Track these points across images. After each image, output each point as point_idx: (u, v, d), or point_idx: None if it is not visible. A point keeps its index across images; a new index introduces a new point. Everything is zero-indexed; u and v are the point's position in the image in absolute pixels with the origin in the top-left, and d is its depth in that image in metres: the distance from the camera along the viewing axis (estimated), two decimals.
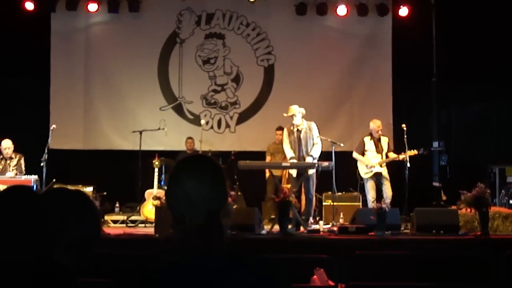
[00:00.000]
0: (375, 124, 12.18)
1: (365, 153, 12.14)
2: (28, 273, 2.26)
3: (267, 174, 13.15)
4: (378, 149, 12.07)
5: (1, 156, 11.99)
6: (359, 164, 12.22)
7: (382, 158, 12.01)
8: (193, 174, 2.36)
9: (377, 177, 12.04)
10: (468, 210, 10.26)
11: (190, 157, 2.48)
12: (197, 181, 2.34)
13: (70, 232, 2.45)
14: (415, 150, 11.98)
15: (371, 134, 12.20)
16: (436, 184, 13.70)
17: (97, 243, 2.60)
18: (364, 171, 12.13)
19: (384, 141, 12.14)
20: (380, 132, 12.15)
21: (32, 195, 2.56)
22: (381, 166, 12.00)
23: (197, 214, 2.27)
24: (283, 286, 2.26)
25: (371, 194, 11.97)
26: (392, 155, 11.97)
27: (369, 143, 12.15)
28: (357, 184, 12.57)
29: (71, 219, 2.47)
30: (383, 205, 10.29)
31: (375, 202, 11.35)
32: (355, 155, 12.23)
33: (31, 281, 2.25)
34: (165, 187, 2.47)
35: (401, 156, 11.84)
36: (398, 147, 12.21)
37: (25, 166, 12.06)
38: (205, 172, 2.39)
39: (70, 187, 11.55)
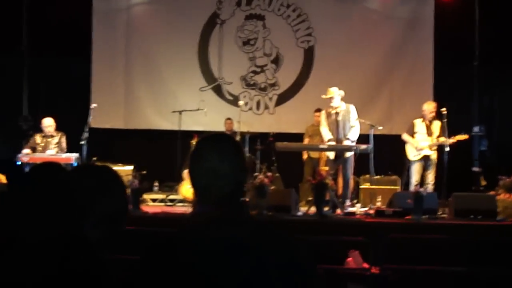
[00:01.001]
0: (429, 106, 11.90)
1: (415, 135, 11.92)
2: (54, 247, 2.30)
3: (305, 156, 13.16)
4: (429, 132, 11.81)
5: (43, 134, 12.16)
6: (407, 146, 12.05)
7: (432, 141, 11.81)
8: (216, 148, 2.44)
9: (425, 160, 11.83)
10: (507, 195, 10.18)
11: (210, 135, 2.55)
12: (222, 154, 2.41)
13: (98, 208, 2.49)
14: (465, 134, 11.81)
15: (423, 116, 11.99)
16: (475, 169, 13.55)
17: (125, 219, 2.64)
18: (412, 154, 11.91)
19: (436, 125, 11.79)
20: (433, 115, 11.91)
21: (60, 171, 2.61)
22: (430, 149, 11.81)
23: (223, 184, 2.34)
24: (306, 263, 2.29)
25: (415, 177, 11.78)
26: (442, 139, 11.71)
27: (419, 125, 11.91)
28: (395, 167, 12.55)
29: (99, 195, 2.51)
30: (421, 190, 10.24)
31: (418, 186, 11.23)
32: (405, 136, 12.03)
33: (57, 255, 2.30)
34: None
35: (451, 140, 11.63)
36: None
37: (67, 144, 12.21)
38: (228, 145, 2.48)
39: (110, 165, 11.74)
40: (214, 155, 2.41)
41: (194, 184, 2.41)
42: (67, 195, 2.47)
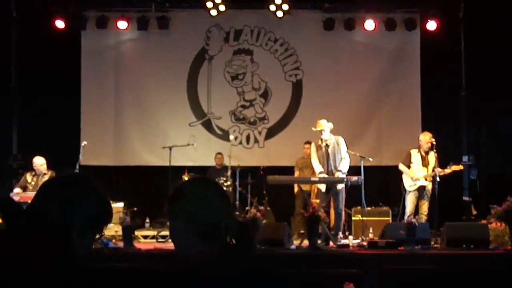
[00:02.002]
0: (426, 136, 11.99)
1: (411, 165, 12.01)
2: (54, 275, 2.29)
3: (296, 189, 13.16)
4: (424, 163, 11.87)
5: (34, 173, 12.14)
6: (404, 176, 12.09)
7: (427, 171, 11.89)
8: (216, 189, 2.50)
9: (420, 191, 11.89)
10: (499, 224, 10.20)
11: (197, 177, 2.63)
12: (221, 194, 2.47)
13: (78, 217, 2.46)
14: (460, 165, 11.93)
15: (419, 147, 12.08)
16: (466, 198, 13.61)
17: (109, 216, 2.61)
18: (408, 184, 11.99)
19: (432, 156, 11.87)
20: (429, 145, 11.93)
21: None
22: (426, 179, 11.87)
23: (231, 222, 2.38)
24: None
25: (409, 208, 11.83)
26: (438, 170, 11.76)
27: (415, 156, 11.98)
28: (386, 198, 12.63)
29: (73, 204, 2.47)
30: (414, 220, 10.25)
31: (411, 216, 11.26)
32: (401, 167, 12.07)
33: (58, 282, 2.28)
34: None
35: (447, 171, 11.71)
36: None
37: None
38: (219, 187, 2.62)
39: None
40: (215, 195, 2.47)
41: (196, 223, 2.43)
42: (46, 217, 2.45)
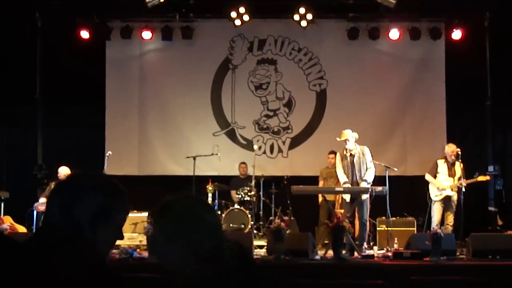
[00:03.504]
0: (449, 148, 12.07)
1: (437, 175, 12.04)
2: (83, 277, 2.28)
3: (320, 199, 13.11)
4: (451, 173, 11.92)
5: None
6: (430, 186, 12.13)
7: (454, 182, 11.85)
8: (209, 208, 2.54)
9: (446, 201, 11.91)
10: None
11: (189, 196, 2.62)
12: (213, 213, 2.54)
13: (83, 213, 2.44)
14: (486, 175, 11.89)
15: (445, 157, 12.08)
16: (492, 208, 13.50)
17: (117, 207, 2.57)
18: (434, 194, 12.02)
19: (458, 166, 11.91)
20: (453, 157, 11.96)
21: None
22: (452, 189, 11.86)
23: (226, 243, 2.39)
24: None
25: (436, 217, 11.87)
26: (464, 180, 11.75)
27: (442, 166, 12.02)
28: (410, 208, 12.55)
29: (78, 201, 2.45)
30: (439, 231, 10.18)
31: (438, 226, 11.21)
32: (428, 177, 12.14)
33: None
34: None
35: (473, 181, 11.72)
36: None
37: None
38: (211, 206, 2.64)
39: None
40: (209, 213, 2.48)
41: (197, 244, 2.41)
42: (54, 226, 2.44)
